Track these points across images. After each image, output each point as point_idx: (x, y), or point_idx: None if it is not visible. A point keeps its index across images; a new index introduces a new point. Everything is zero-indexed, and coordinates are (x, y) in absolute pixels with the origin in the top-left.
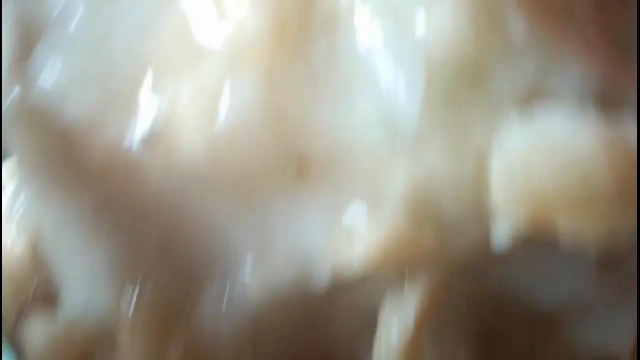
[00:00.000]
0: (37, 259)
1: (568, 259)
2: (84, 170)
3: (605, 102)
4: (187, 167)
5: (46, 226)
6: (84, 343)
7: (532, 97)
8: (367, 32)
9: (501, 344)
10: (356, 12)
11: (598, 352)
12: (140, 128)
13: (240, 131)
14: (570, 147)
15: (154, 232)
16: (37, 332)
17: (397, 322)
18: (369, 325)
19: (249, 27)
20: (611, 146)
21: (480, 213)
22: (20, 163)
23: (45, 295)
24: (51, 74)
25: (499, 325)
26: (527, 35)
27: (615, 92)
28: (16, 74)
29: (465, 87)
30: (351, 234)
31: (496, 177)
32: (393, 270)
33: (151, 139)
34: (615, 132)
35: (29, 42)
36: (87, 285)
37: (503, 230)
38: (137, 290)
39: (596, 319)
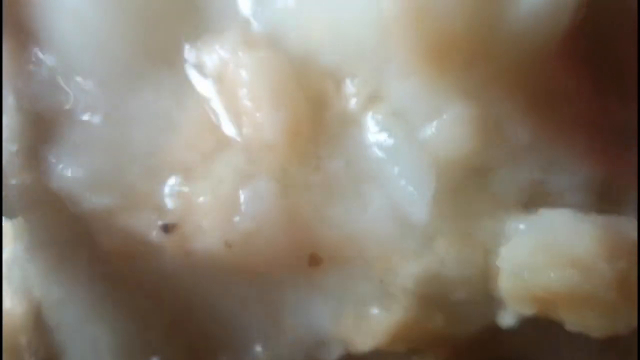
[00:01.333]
0: (38, 327)
1: (571, 335)
2: (97, 251)
3: (605, 199)
4: (204, 253)
5: (50, 298)
6: None
7: (536, 195)
8: (378, 132)
9: None
10: (367, 112)
11: None
12: (159, 217)
13: (257, 225)
14: (572, 246)
15: (167, 310)
16: None
17: None
18: None
19: (265, 129)
20: (611, 245)
21: (487, 299)
22: (31, 240)
23: None
24: (71, 163)
25: None
26: (532, 138)
27: (615, 190)
28: (30, 158)
29: (472, 185)
30: (362, 317)
31: (503, 270)
32: (402, 348)
33: (169, 227)
34: (615, 231)
35: (43, 129)
36: (91, 358)
37: (509, 315)
38: None
39: None
